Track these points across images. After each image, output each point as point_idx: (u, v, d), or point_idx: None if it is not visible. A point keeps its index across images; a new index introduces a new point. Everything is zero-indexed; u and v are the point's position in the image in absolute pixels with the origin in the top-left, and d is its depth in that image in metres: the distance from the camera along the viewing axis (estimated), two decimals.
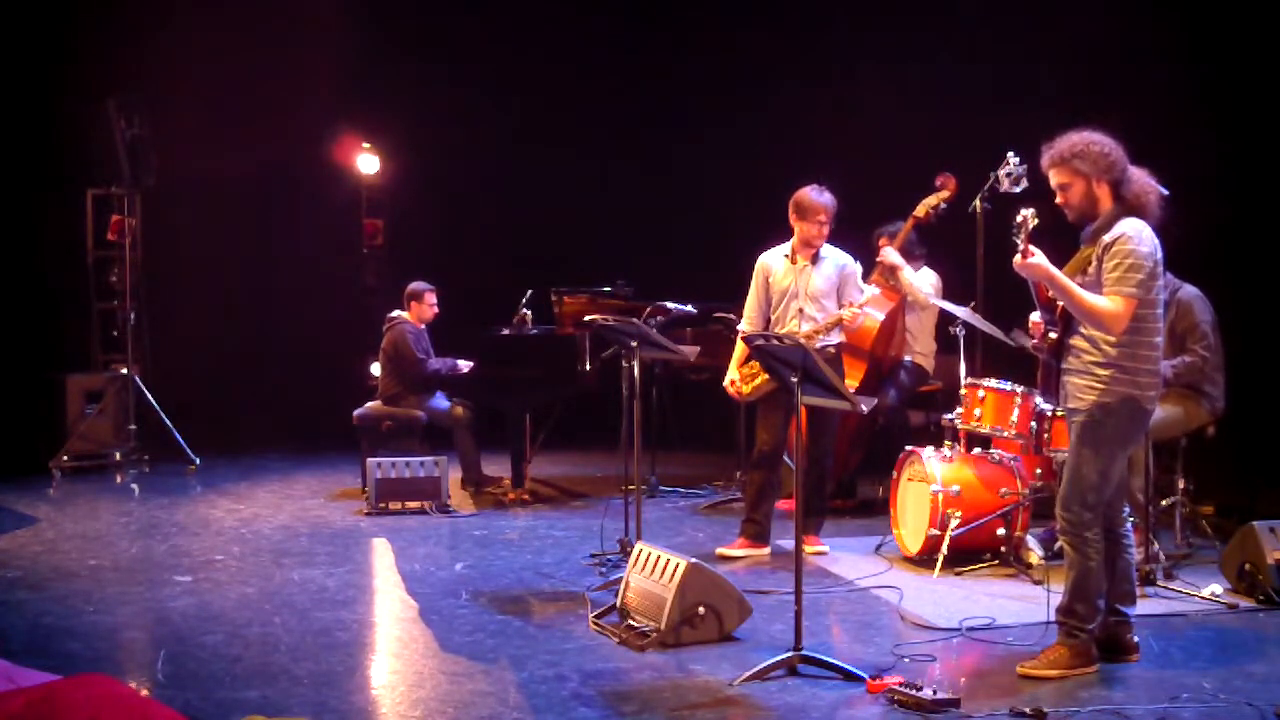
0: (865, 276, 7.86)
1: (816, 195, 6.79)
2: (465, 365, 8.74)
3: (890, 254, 7.72)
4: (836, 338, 6.88)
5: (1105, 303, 4.77)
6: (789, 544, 6.67)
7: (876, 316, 7.67)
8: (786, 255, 6.91)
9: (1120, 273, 4.75)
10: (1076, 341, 4.93)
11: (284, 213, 11.39)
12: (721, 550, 6.92)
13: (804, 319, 6.78)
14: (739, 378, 6.94)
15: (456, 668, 5.07)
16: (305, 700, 4.66)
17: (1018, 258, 4.88)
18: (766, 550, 6.92)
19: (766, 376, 6.66)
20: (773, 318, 6.91)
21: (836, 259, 6.88)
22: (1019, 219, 4.87)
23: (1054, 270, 4.84)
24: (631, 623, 5.39)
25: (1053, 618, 5.04)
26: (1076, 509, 4.88)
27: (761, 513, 6.89)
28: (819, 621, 5.73)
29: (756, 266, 7.00)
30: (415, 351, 8.60)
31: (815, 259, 6.85)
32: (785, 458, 7.16)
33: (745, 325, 7.02)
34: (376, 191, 11.41)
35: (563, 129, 11.48)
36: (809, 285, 6.82)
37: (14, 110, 10.18)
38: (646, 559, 5.47)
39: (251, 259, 11.49)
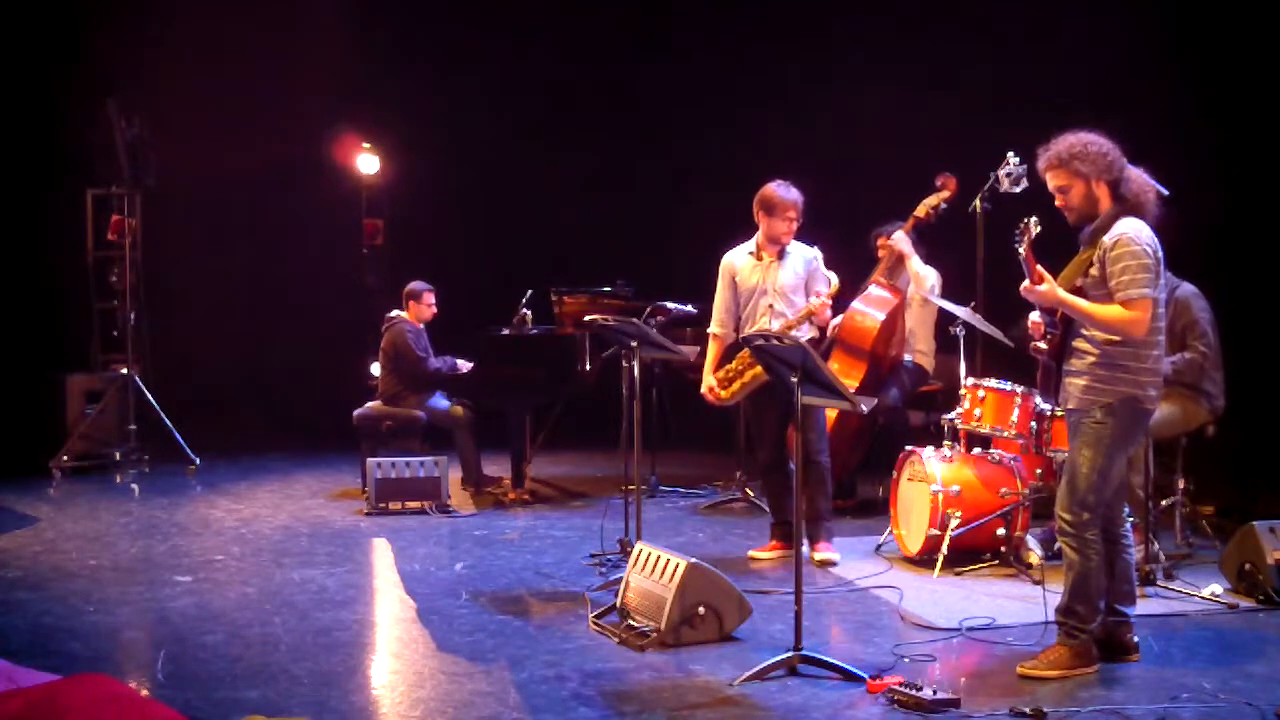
0: (867, 275, 7.88)
1: (784, 192, 6.69)
2: (465, 365, 8.74)
3: (900, 240, 7.69)
4: (809, 332, 6.75)
5: (1123, 310, 4.75)
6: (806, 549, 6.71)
7: (876, 316, 7.67)
8: (751, 253, 6.81)
9: (1130, 275, 4.74)
10: (1078, 343, 4.92)
11: (284, 213, 11.40)
12: (753, 553, 6.90)
13: (774, 315, 6.68)
14: (716, 382, 6.79)
15: (456, 668, 5.07)
16: (305, 700, 4.66)
17: (1025, 283, 4.86)
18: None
19: (746, 380, 6.59)
20: (742, 316, 6.82)
21: (803, 253, 6.78)
22: (1020, 226, 4.85)
23: (1064, 295, 4.81)
24: (631, 623, 5.39)
25: (1052, 618, 5.04)
26: (1076, 510, 4.88)
27: (787, 511, 6.83)
28: (819, 621, 5.73)
29: (721, 267, 6.89)
30: (415, 350, 8.60)
31: (781, 254, 6.75)
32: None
33: (715, 327, 6.87)
34: (376, 191, 11.40)
35: (562, 129, 11.49)
36: (777, 281, 6.71)
37: (14, 110, 10.19)
38: (646, 559, 5.47)
39: (251, 258, 11.51)
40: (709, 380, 6.83)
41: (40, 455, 9.50)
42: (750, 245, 6.85)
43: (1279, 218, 8.35)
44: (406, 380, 8.71)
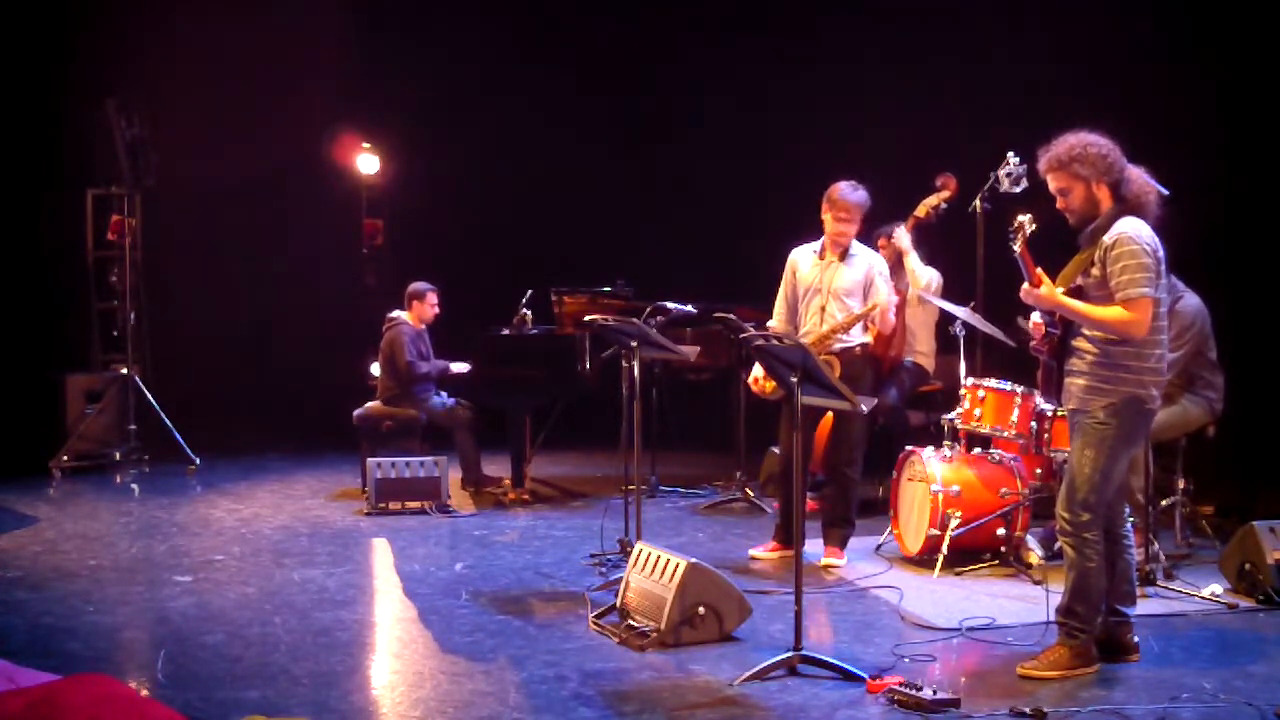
0: None
1: (846, 191, 6.62)
2: (460, 367, 8.70)
3: (901, 236, 7.68)
4: (861, 337, 6.71)
5: (1122, 311, 4.75)
6: (815, 553, 6.72)
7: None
8: (815, 251, 6.76)
9: (1129, 275, 4.73)
10: (1079, 342, 4.92)
11: (284, 213, 11.40)
12: (754, 552, 6.88)
13: (825, 317, 6.63)
14: (762, 374, 6.77)
15: (456, 668, 5.07)
16: (305, 700, 4.66)
17: (1025, 285, 4.87)
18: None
19: None
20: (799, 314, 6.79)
21: (868, 257, 6.72)
22: (1015, 224, 4.85)
23: (1063, 298, 4.82)
24: (631, 623, 5.39)
25: (1053, 618, 5.04)
26: (1077, 510, 4.87)
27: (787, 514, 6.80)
28: (819, 621, 5.74)
29: (787, 262, 6.85)
30: (406, 355, 8.58)
31: (845, 256, 6.68)
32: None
33: (773, 320, 6.86)
34: (376, 191, 11.42)
35: (562, 129, 11.48)
36: (834, 282, 6.64)
37: (14, 110, 10.19)
38: (646, 559, 5.47)
39: (251, 258, 11.50)
40: (756, 371, 6.82)
41: (40, 455, 9.49)
42: (817, 244, 6.79)
43: (1279, 218, 8.35)
44: (401, 382, 8.71)
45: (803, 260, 6.80)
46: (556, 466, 9.76)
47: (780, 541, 6.85)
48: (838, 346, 6.62)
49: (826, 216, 6.69)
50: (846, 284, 6.66)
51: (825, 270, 6.70)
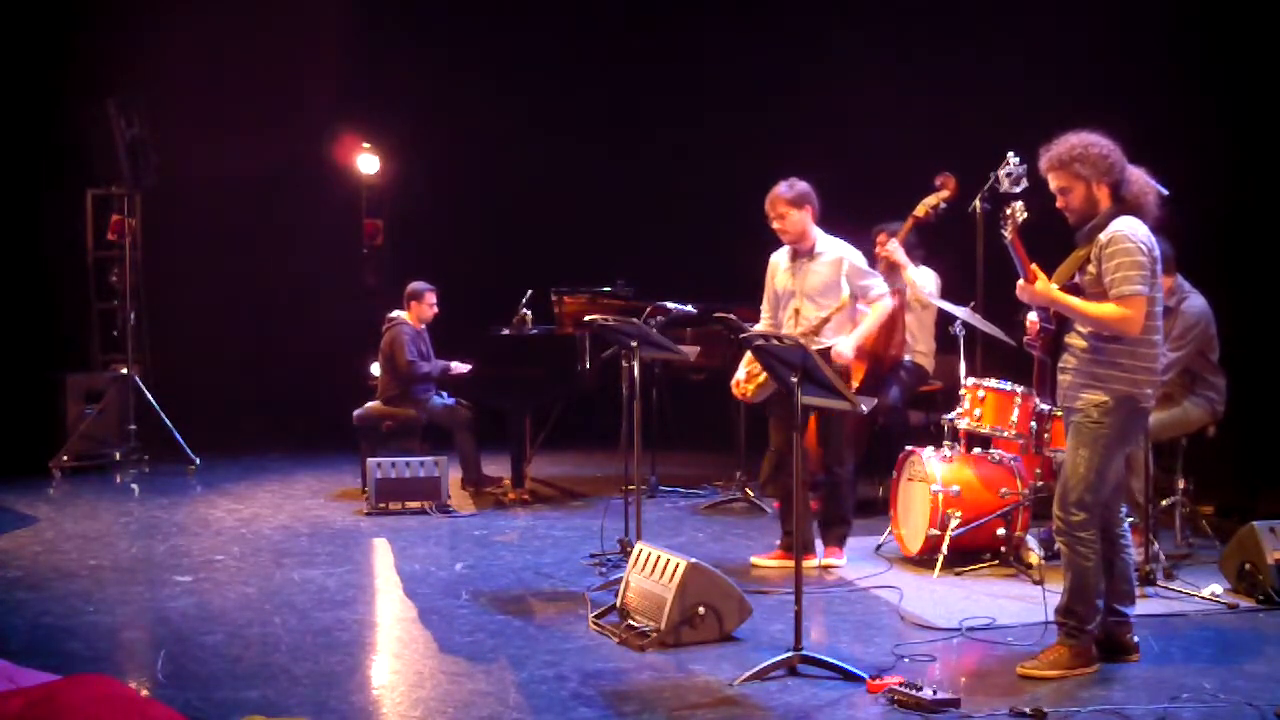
0: None
1: (774, 189, 6.55)
2: (460, 367, 8.70)
3: (895, 250, 7.67)
4: (832, 336, 6.57)
5: (1115, 308, 4.75)
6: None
7: None
8: (789, 253, 6.75)
9: (1123, 273, 4.74)
10: (1073, 340, 4.92)
11: (284, 213, 11.40)
12: (756, 559, 6.81)
13: (800, 320, 6.58)
14: (744, 377, 6.75)
15: (456, 668, 5.07)
16: (305, 700, 4.66)
17: (1020, 282, 4.87)
18: (808, 561, 6.56)
19: (761, 381, 6.48)
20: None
21: (831, 254, 6.60)
22: (1007, 211, 4.86)
23: (1058, 294, 4.83)
24: (631, 623, 5.39)
25: (1052, 618, 5.04)
26: (1073, 509, 4.87)
27: (792, 523, 6.73)
28: (819, 621, 5.74)
29: (768, 265, 6.84)
30: (406, 355, 8.58)
31: (813, 256, 6.63)
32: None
33: (759, 326, 6.79)
34: (376, 191, 11.42)
35: (563, 129, 11.48)
36: (804, 284, 6.61)
37: (14, 110, 10.19)
38: (646, 559, 5.47)
39: (251, 258, 11.50)
40: (738, 374, 6.79)
41: (40, 455, 9.50)
42: None
43: (1279, 217, 8.35)
44: (401, 381, 8.71)
45: (780, 262, 6.77)
46: (556, 466, 9.76)
47: (786, 551, 6.76)
48: (813, 348, 6.56)
49: None
50: (817, 284, 6.59)
51: (797, 272, 6.66)
